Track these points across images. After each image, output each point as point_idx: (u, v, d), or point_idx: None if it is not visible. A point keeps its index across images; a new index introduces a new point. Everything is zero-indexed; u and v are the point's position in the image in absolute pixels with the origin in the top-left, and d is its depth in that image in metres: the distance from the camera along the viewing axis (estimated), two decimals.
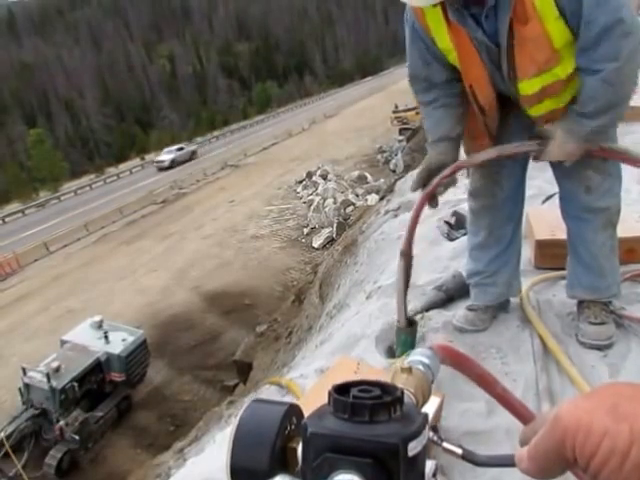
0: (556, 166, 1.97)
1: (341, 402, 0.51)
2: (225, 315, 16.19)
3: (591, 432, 0.41)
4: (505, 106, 1.87)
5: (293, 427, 0.59)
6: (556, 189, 2.07)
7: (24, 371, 11.26)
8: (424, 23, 1.76)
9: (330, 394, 0.53)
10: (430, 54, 1.83)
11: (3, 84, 70.28)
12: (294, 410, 0.60)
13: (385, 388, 0.55)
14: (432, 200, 1.96)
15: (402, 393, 0.53)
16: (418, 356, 0.94)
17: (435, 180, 1.90)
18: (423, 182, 1.94)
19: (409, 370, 0.86)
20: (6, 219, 33.59)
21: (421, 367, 0.91)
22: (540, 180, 3.26)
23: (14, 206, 39.26)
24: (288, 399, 2.16)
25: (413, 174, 5.97)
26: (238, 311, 16.21)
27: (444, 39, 1.75)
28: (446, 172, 1.88)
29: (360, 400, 0.51)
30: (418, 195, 1.99)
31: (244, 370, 8.14)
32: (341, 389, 0.54)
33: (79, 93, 72.16)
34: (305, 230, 21.96)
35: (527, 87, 1.72)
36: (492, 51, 1.71)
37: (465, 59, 1.78)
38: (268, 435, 0.56)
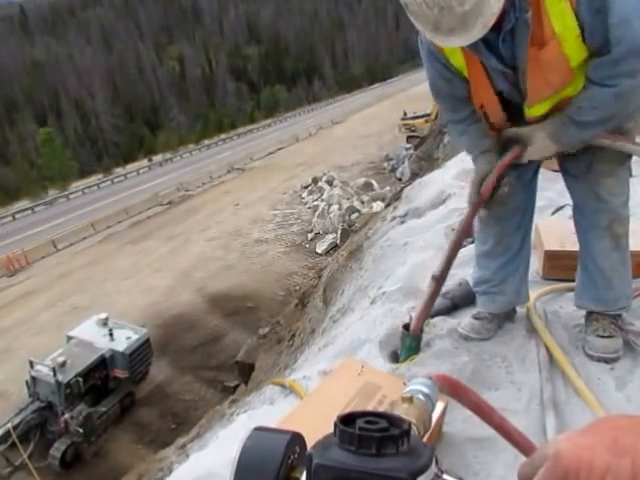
0: (567, 173, 1.97)
1: (347, 434, 0.50)
2: (228, 317, 16.27)
3: (593, 470, 0.40)
4: (519, 120, 1.85)
5: (296, 456, 0.58)
6: (566, 200, 2.05)
7: (31, 365, 11.47)
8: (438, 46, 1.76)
9: (335, 425, 0.52)
10: (448, 71, 1.84)
11: (15, 82, 70.74)
12: (297, 439, 0.59)
13: (392, 420, 0.53)
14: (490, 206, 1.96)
15: (409, 426, 0.52)
16: (418, 385, 0.93)
17: (484, 187, 1.88)
18: (479, 193, 1.93)
19: (410, 400, 0.86)
20: (16, 216, 33.93)
21: (421, 397, 0.90)
22: (551, 192, 3.23)
23: (23, 203, 39.57)
24: (291, 399, 2.19)
25: (421, 181, 5.91)
26: (241, 313, 16.29)
27: (458, 59, 1.77)
28: (491, 178, 1.87)
29: (367, 432, 0.50)
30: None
31: (246, 371, 8.23)
32: (346, 419, 0.53)
33: (89, 93, 72.55)
34: (309, 235, 22.00)
35: (537, 110, 1.72)
36: (508, 75, 1.70)
37: (475, 81, 1.79)
38: (271, 465, 0.55)
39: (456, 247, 2.02)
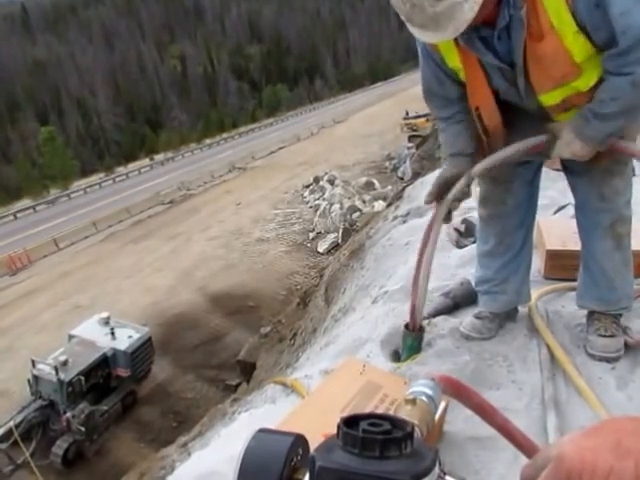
0: (571, 172, 1.96)
1: (351, 436, 0.50)
2: (229, 316, 16.34)
3: (596, 471, 0.40)
4: (514, 124, 1.85)
5: (299, 458, 0.58)
6: (568, 200, 2.05)
7: (33, 363, 11.56)
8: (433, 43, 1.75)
9: (339, 427, 0.52)
10: (442, 72, 1.82)
11: (16, 81, 70.75)
12: (300, 441, 0.60)
13: (395, 422, 0.53)
14: (446, 216, 1.96)
15: (413, 428, 0.52)
16: (421, 387, 0.93)
17: (449, 195, 1.88)
18: (437, 194, 1.93)
19: (413, 401, 0.87)
20: (17, 215, 34.00)
21: (424, 398, 0.90)
22: (552, 190, 3.22)
23: (25, 202, 39.62)
24: (293, 398, 2.19)
25: (423, 180, 5.93)
26: (242, 313, 16.35)
27: (453, 58, 1.75)
28: (459, 185, 1.87)
29: (371, 435, 0.50)
30: (432, 208, 1.95)
31: (247, 370, 8.24)
32: (350, 422, 0.52)
33: (91, 92, 72.56)
34: (311, 235, 22.06)
35: (549, 98, 1.71)
36: (506, 71, 1.69)
37: (472, 80, 1.78)
38: (274, 467, 0.55)
39: (423, 253, 1.99)
